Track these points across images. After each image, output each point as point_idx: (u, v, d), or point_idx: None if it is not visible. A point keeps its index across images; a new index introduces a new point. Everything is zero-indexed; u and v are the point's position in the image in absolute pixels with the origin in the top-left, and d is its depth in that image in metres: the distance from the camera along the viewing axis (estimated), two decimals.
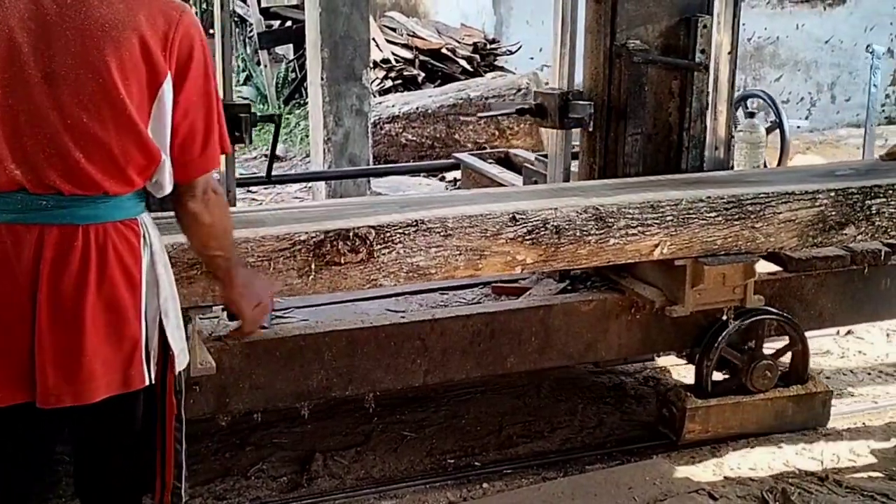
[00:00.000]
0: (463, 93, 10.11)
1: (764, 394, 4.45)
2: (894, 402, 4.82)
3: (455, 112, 9.93)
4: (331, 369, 3.97)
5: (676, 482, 4.08)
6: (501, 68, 10.92)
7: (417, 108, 9.97)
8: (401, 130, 9.87)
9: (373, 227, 3.51)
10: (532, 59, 10.98)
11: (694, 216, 3.94)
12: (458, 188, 6.11)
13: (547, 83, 10.59)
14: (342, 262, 3.48)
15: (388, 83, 10.82)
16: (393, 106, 10.05)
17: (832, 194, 4.17)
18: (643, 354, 4.92)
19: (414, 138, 9.92)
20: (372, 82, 10.16)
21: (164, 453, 2.82)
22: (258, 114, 4.04)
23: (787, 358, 4.57)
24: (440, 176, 9.40)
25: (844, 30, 11.32)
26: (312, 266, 3.46)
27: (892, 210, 4.27)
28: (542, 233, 3.74)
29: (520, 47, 10.92)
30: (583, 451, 4.40)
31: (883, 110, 11.92)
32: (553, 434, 4.54)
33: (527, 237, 3.73)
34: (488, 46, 11.05)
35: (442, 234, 3.62)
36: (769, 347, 4.50)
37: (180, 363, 2.75)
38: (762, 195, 4.05)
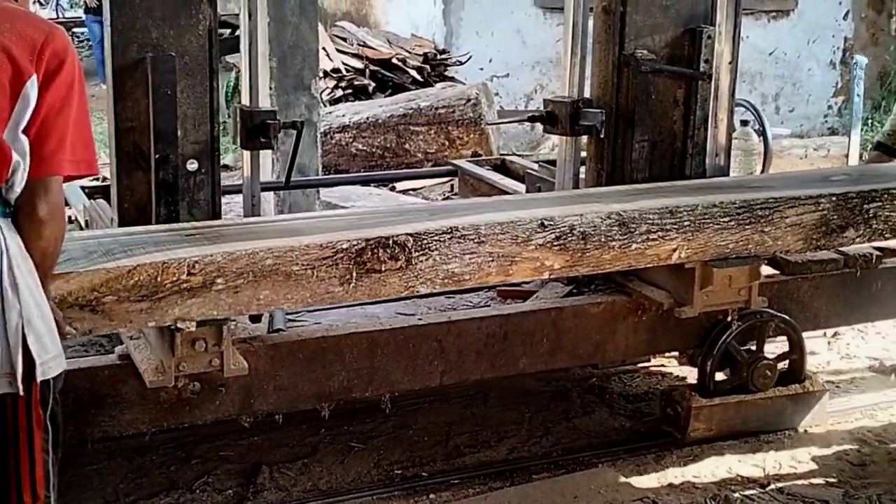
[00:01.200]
0: (413, 103, 10.15)
1: (764, 393, 4.59)
2: (834, 409, 4.90)
3: (405, 122, 9.96)
4: (352, 370, 4.05)
5: (621, 490, 4.15)
6: (452, 78, 10.98)
7: (368, 118, 9.97)
8: (351, 140, 9.87)
9: (411, 234, 3.57)
10: (482, 69, 11.07)
11: (709, 221, 4.05)
12: (456, 195, 6.19)
13: (497, 94, 10.73)
14: (382, 269, 3.53)
15: (339, 93, 10.79)
16: (343, 115, 10.04)
17: (833, 198, 4.30)
18: (648, 355, 5.07)
19: (364, 148, 9.94)
20: (322, 92, 10.16)
21: (32, 465, 2.79)
22: (281, 121, 4.10)
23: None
24: (390, 186, 9.42)
25: (788, 42, 11.53)
26: (354, 274, 3.50)
27: (888, 213, 4.41)
28: (570, 238, 3.82)
29: (470, 58, 11.00)
30: (529, 461, 4.43)
31: (825, 121, 12.20)
32: (500, 443, 4.57)
33: (555, 243, 3.81)
34: (438, 57, 11.10)
35: (475, 240, 3.68)
36: None
37: (45, 372, 2.73)
38: (771, 200, 4.18)
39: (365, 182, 8.67)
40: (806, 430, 4.68)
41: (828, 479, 4.31)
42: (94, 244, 3.39)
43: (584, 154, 4.81)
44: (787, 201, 4.21)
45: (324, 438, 4.55)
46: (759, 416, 4.61)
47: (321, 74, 10.23)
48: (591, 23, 4.67)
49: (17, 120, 2.64)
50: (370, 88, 10.81)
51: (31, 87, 2.64)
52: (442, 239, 3.62)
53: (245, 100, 4.09)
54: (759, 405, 4.60)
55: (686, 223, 4.02)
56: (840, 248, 4.78)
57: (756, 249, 4.20)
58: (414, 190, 9.32)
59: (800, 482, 4.29)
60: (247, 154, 4.11)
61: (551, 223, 3.80)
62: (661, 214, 3.98)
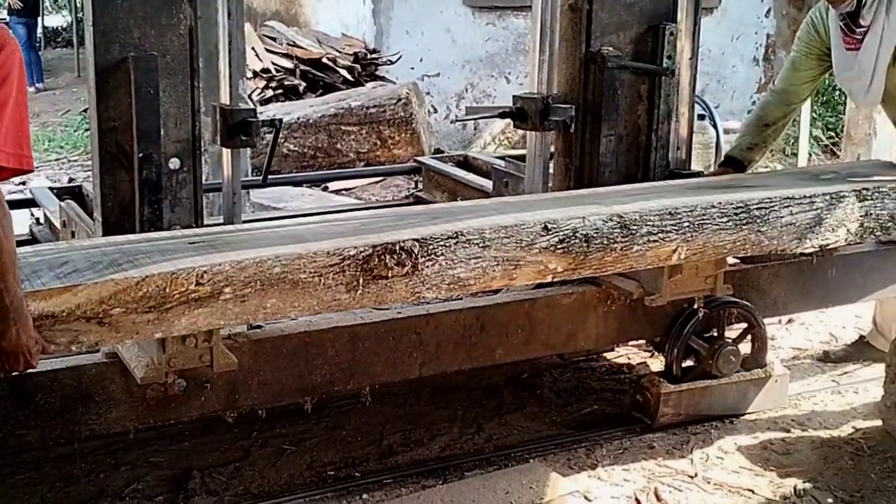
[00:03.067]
0: (344, 102, 10.19)
1: (729, 378, 4.75)
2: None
3: (336, 122, 10.00)
4: (334, 364, 4.11)
5: (552, 485, 4.21)
6: (382, 78, 11.03)
7: (299, 118, 9.99)
8: (282, 140, 9.87)
9: (417, 239, 3.51)
10: (412, 68, 11.14)
11: (708, 222, 4.05)
12: (421, 191, 6.25)
13: (428, 93, 10.81)
14: (389, 275, 3.48)
15: (269, 93, 10.78)
16: (274, 116, 10.01)
17: (827, 198, 4.34)
18: (617, 343, 5.20)
19: (296, 148, 9.96)
20: (252, 92, 10.16)
21: None
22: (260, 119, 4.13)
23: None
24: (323, 186, 9.44)
25: (712, 39, 11.67)
26: (360, 281, 3.43)
27: (879, 212, 4.48)
28: (573, 241, 3.79)
29: (400, 57, 11.07)
30: (462, 458, 4.48)
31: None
32: (433, 442, 4.62)
33: (559, 246, 3.77)
34: (369, 56, 11.14)
35: (480, 245, 3.64)
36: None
37: None
38: (766, 200, 4.19)
39: (330, 179, 8.88)
40: (731, 422, 4.81)
41: (754, 468, 4.44)
42: (97, 254, 3.33)
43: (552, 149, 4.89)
44: (782, 201, 4.23)
45: (255, 441, 4.57)
46: (724, 400, 4.77)
47: (250, 75, 10.26)
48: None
49: None
50: (301, 88, 10.81)
51: None
52: (447, 244, 3.58)
53: (224, 98, 4.11)
54: (724, 390, 4.75)
55: (685, 224, 4.01)
56: None
57: (752, 249, 4.25)
58: (347, 190, 9.36)
59: (727, 472, 4.42)
60: (227, 152, 4.12)
61: (554, 226, 3.77)
62: (661, 216, 3.97)
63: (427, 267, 3.55)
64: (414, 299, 3.64)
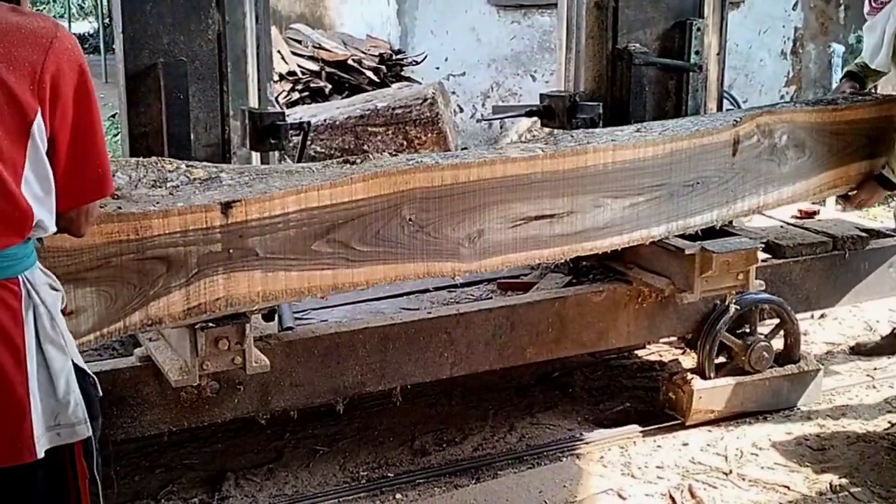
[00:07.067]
0: (370, 103, 10.12)
1: (762, 374, 4.73)
2: None
3: (363, 123, 9.95)
4: (365, 365, 4.12)
5: (586, 483, 4.22)
6: (408, 78, 10.98)
7: (325, 120, 9.93)
8: (309, 142, 9.84)
9: None
10: (437, 68, 11.11)
11: None
12: None
13: (453, 92, 10.80)
14: None
15: (295, 95, 10.77)
16: (300, 118, 10.02)
17: None
18: (649, 341, 5.17)
19: (322, 150, 9.91)
20: (278, 95, 10.17)
21: None
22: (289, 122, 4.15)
23: None
24: None
25: (740, 33, 11.50)
26: None
27: None
28: None
29: (425, 57, 11.02)
30: (494, 457, 4.49)
31: None
32: (465, 441, 4.63)
33: None
34: (394, 57, 11.08)
35: None
36: None
37: (82, 432, 2.59)
38: None
39: None
40: (765, 418, 4.80)
41: (789, 464, 4.42)
42: None
43: None
44: None
45: (288, 443, 4.59)
46: (756, 396, 4.76)
47: (276, 77, 10.26)
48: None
49: (36, 159, 2.30)
50: (326, 90, 10.77)
51: (38, 122, 2.28)
52: None
53: (253, 102, 4.12)
54: (757, 386, 4.74)
55: None
56: (828, 231, 4.94)
57: None
58: None
59: (761, 468, 4.40)
60: (256, 155, 4.15)
61: None
62: None
63: None
64: None
